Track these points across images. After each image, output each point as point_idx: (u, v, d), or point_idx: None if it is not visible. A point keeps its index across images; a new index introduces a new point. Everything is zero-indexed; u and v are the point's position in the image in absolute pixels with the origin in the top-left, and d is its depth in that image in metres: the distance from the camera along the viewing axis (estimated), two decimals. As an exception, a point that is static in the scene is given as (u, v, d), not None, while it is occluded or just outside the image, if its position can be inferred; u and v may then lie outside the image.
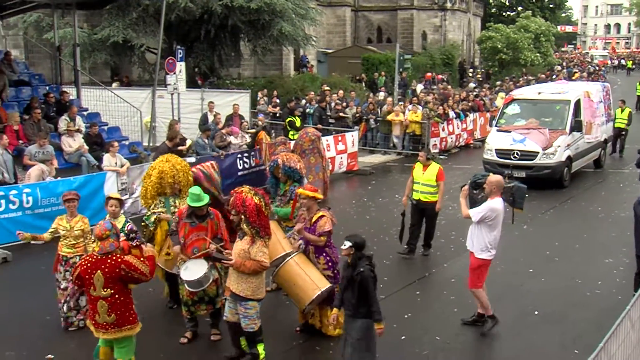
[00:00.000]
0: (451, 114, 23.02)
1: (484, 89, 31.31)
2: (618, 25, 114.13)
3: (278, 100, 23.80)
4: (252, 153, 16.32)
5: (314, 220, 7.99)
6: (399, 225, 11.23)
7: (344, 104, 23.25)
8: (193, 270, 7.50)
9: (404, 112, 21.96)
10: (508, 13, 69.75)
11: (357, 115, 22.68)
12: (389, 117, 21.85)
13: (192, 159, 14.07)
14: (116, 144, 14.33)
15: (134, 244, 7.96)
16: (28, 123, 15.24)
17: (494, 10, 70.10)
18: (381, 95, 27.31)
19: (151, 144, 17.98)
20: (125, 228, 8.19)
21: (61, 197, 8.79)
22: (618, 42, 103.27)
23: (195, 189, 7.91)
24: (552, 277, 10.43)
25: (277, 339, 8.10)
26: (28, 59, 26.41)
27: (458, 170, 19.04)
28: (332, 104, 23.20)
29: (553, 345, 8.06)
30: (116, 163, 13.83)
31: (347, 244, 6.78)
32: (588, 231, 13.22)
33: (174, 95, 18.63)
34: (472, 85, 36.69)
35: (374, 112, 22.54)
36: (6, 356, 7.78)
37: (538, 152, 16.65)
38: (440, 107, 22.81)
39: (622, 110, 22.14)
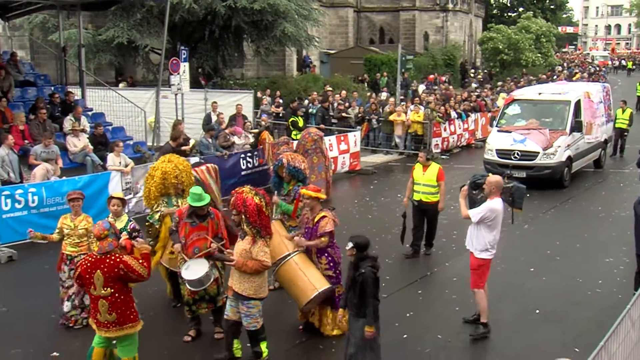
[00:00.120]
0: (453, 114, 23.08)
1: (485, 90, 31.37)
2: (618, 26, 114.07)
3: (281, 101, 23.85)
4: (255, 153, 16.37)
5: (316, 220, 8.00)
6: (401, 225, 11.25)
7: (347, 104, 23.29)
8: (194, 270, 7.52)
9: (406, 112, 22.02)
10: (509, 14, 69.68)
11: (360, 115, 22.77)
12: (391, 117, 21.90)
13: (196, 159, 14.18)
14: (121, 143, 14.36)
15: (136, 244, 8.00)
16: (33, 123, 15.32)
17: (495, 11, 70.09)
18: (383, 95, 27.39)
19: (155, 144, 18.03)
20: (128, 227, 8.21)
21: (66, 196, 8.83)
22: (618, 43, 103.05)
23: (197, 189, 7.94)
24: (553, 276, 10.46)
25: (280, 337, 8.14)
26: (34, 60, 26.51)
27: (459, 170, 19.08)
28: (335, 104, 23.23)
29: (554, 343, 8.07)
30: (120, 163, 13.87)
31: (350, 244, 6.81)
32: (589, 230, 13.25)
33: (178, 96, 18.72)
34: (474, 85, 36.76)
35: (376, 112, 22.61)
36: (12, 354, 7.82)
37: (538, 153, 16.68)
38: (442, 107, 22.87)
39: (624, 111, 22.12)
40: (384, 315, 7.05)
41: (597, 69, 57.50)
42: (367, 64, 39.05)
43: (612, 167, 20.35)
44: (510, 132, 17.45)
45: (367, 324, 6.66)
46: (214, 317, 8.24)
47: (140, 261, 6.53)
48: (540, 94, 18.86)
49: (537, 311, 9.10)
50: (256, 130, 17.67)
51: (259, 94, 23.81)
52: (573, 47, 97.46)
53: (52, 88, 18.39)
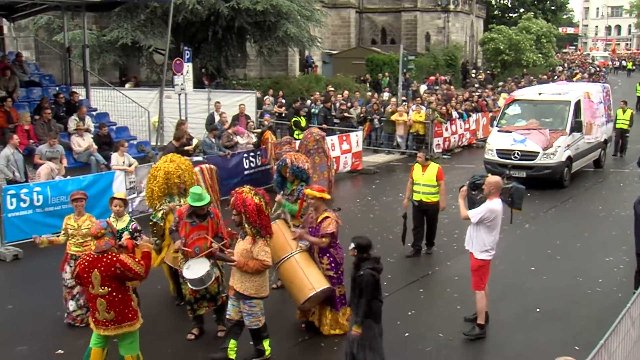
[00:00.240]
0: (454, 114, 23.16)
1: (486, 90, 31.44)
2: (618, 27, 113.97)
3: (284, 101, 23.93)
4: (258, 152, 16.45)
5: (319, 220, 8.03)
6: (402, 226, 11.27)
7: (349, 104, 23.38)
8: (195, 269, 7.55)
9: (407, 112, 22.10)
10: (510, 15, 69.57)
11: (362, 115, 22.85)
12: (393, 117, 21.98)
13: (199, 159, 14.25)
14: (126, 143, 14.44)
15: (138, 243, 7.97)
16: (38, 123, 15.40)
17: (496, 12, 69.96)
18: (385, 95, 27.46)
19: (159, 144, 18.13)
20: (130, 227, 8.24)
21: (69, 196, 8.85)
22: (618, 44, 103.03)
23: (197, 189, 7.97)
24: (553, 275, 10.50)
25: (283, 336, 8.18)
26: (39, 60, 26.60)
27: (461, 170, 19.17)
28: (337, 104, 23.33)
29: (554, 342, 8.10)
30: (124, 162, 13.93)
31: (352, 244, 6.85)
32: (589, 230, 13.30)
33: (181, 96, 18.80)
34: (476, 85, 36.79)
35: (378, 112, 22.69)
36: (18, 351, 7.91)
37: (538, 153, 16.73)
38: (444, 107, 22.95)
39: (624, 112, 22.13)
40: (386, 313, 7.08)
41: (598, 69, 57.52)
42: (369, 64, 39.06)
43: (612, 166, 20.39)
44: (511, 132, 17.50)
45: (355, 324, 6.70)
46: (216, 316, 8.28)
47: (137, 259, 6.54)
48: (540, 94, 18.91)
49: (538, 310, 9.14)
50: (259, 130, 17.75)
51: (258, 94, 23.83)
52: (573, 47, 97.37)
53: (57, 88, 18.50)
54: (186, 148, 14.54)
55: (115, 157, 14.03)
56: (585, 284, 10.16)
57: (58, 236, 8.48)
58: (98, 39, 24.21)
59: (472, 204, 8.39)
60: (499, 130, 18.09)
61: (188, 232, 7.84)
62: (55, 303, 8.85)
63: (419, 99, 24.41)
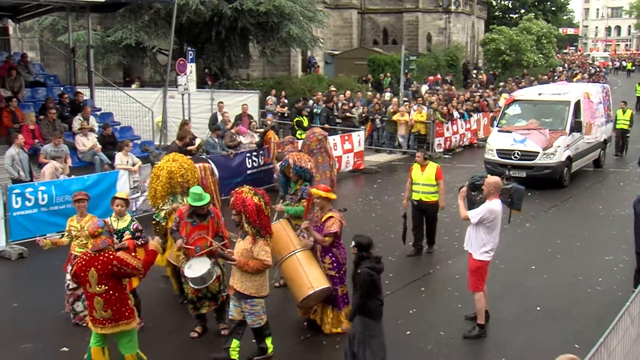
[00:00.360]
0: (455, 114, 23.23)
1: (487, 90, 31.51)
2: (618, 28, 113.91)
3: (286, 101, 23.96)
4: (261, 152, 16.52)
5: (323, 220, 8.06)
6: (402, 226, 11.32)
7: (351, 104, 23.43)
8: (196, 268, 7.59)
9: (409, 112, 22.17)
10: (511, 15, 69.61)
11: (364, 115, 22.91)
12: (395, 117, 22.05)
13: (203, 158, 14.32)
14: (130, 143, 14.50)
15: (139, 243, 8.09)
16: (43, 123, 15.48)
17: (497, 13, 69.96)
18: (387, 95, 27.54)
19: (162, 143, 18.21)
20: (131, 227, 8.26)
21: (71, 197, 8.84)
22: (618, 44, 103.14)
23: (196, 189, 8.00)
24: (553, 274, 10.53)
25: (285, 334, 8.23)
26: (43, 61, 26.71)
27: (462, 170, 19.23)
28: (339, 104, 23.39)
29: (554, 340, 8.13)
30: (128, 162, 14.00)
31: (352, 243, 6.91)
32: (589, 229, 13.33)
33: (185, 96, 18.91)
34: (477, 86, 36.85)
35: (380, 112, 22.77)
36: (23, 349, 7.96)
37: (538, 152, 16.77)
38: (445, 108, 23.01)
39: (624, 112, 22.14)
40: (387, 312, 7.13)
41: (598, 69, 57.54)
42: (370, 65, 39.14)
43: (612, 166, 20.42)
44: (511, 132, 17.54)
45: (347, 318, 6.76)
46: (217, 315, 8.32)
47: (133, 254, 6.56)
48: (540, 94, 18.95)
49: (538, 308, 9.18)
50: (262, 130, 17.82)
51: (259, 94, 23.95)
52: (574, 48, 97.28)
53: (62, 88, 18.58)
54: (189, 148, 14.60)
55: (119, 157, 14.08)
56: (585, 282, 10.19)
57: (61, 237, 8.51)
58: (102, 40, 24.28)
59: (472, 204, 8.39)
60: (499, 130, 18.14)
61: (189, 232, 7.88)
62: (60, 301, 8.88)
63: (420, 99, 24.47)
